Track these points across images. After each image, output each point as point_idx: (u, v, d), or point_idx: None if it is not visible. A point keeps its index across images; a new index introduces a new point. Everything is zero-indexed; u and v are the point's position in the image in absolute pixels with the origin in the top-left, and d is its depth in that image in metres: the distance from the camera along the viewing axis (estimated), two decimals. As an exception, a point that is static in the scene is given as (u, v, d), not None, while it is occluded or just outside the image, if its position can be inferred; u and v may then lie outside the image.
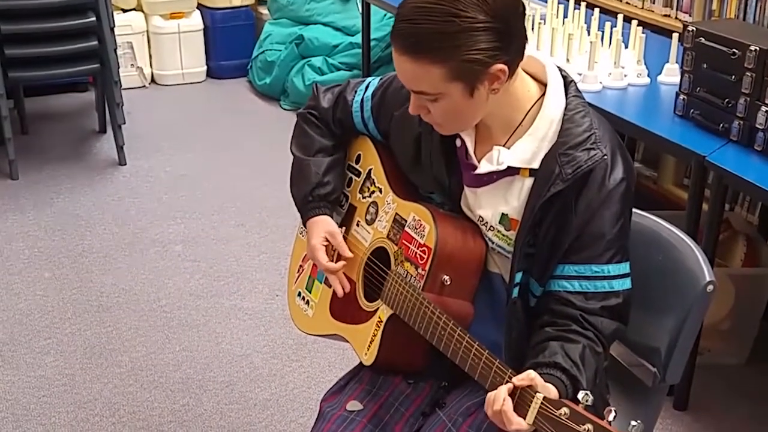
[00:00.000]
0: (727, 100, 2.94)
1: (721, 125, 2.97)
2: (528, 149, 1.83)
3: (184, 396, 3.22)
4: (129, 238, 4.28)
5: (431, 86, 1.73)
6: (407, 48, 1.71)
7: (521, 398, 1.61)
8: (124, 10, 6.13)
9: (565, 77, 1.87)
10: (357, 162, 2.20)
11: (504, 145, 1.85)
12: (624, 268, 1.83)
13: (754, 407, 3.21)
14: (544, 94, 1.84)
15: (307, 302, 2.25)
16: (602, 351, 1.80)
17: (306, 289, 2.27)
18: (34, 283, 3.91)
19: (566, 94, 1.84)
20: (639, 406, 2.08)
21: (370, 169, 2.16)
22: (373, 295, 2.04)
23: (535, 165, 1.82)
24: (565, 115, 1.82)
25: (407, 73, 1.75)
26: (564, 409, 1.53)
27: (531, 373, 1.62)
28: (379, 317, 1.98)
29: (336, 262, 2.10)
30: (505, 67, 1.73)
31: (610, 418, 1.50)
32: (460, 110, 1.78)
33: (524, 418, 1.59)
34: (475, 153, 1.90)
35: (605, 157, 1.79)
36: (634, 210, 2.01)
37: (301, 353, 3.44)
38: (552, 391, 1.61)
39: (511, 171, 1.85)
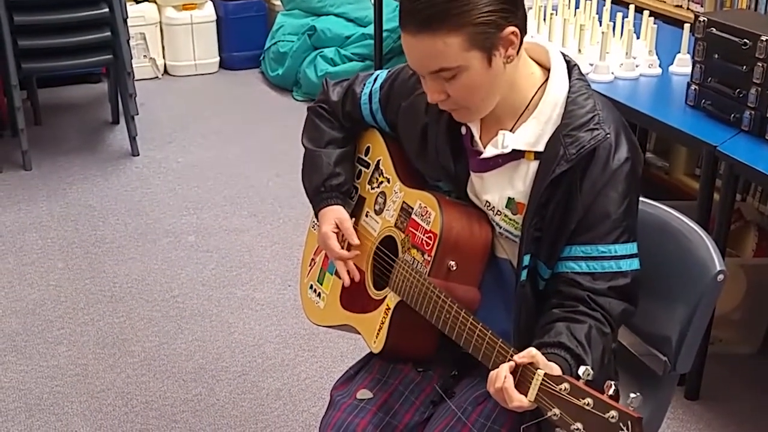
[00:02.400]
0: (738, 90, 2.94)
1: (733, 115, 2.97)
2: (532, 132, 1.84)
3: (196, 386, 3.23)
4: (142, 229, 4.30)
5: (451, 59, 1.73)
6: (423, 22, 1.71)
7: (523, 376, 1.61)
8: (137, 1, 6.15)
9: (568, 61, 1.88)
10: (366, 154, 2.22)
11: (509, 130, 1.86)
12: (631, 248, 1.83)
13: (765, 396, 3.21)
14: (548, 79, 1.85)
15: (319, 294, 2.27)
16: (610, 332, 1.80)
17: (318, 281, 2.29)
18: (47, 273, 3.93)
19: (569, 78, 1.86)
20: (649, 395, 2.08)
21: (379, 161, 2.17)
22: (382, 284, 2.05)
23: (540, 148, 1.83)
24: (568, 97, 1.83)
25: (424, 51, 1.74)
26: (564, 385, 1.54)
27: (531, 351, 1.63)
28: (387, 305, 1.99)
29: (347, 250, 2.11)
30: (518, 30, 1.75)
31: (610, 392, 1.50)
32: (480, 83, 1.77)
33: (525, 395, 1.60)
34: (480, 140, 1.91)
35: (608, 136, 1.79)
36: (645, 200, 2.02)
37: (313, 343, 3.45)
38: (555, 369, 1.61)
39: (516, 155, 1.86)
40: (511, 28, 1.74)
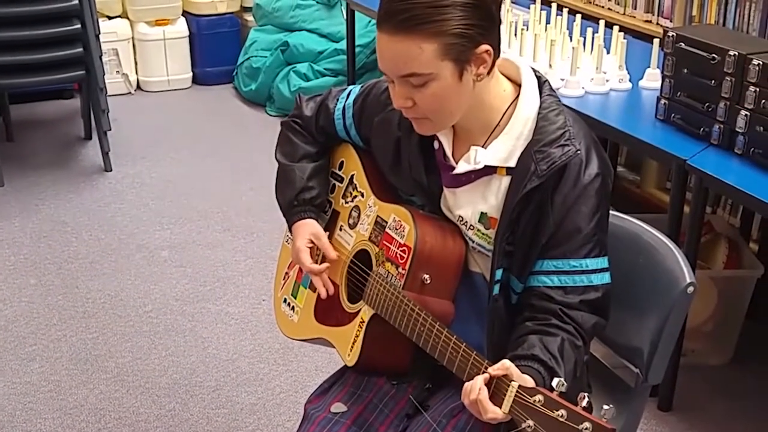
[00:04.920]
0: (707, 104, 2.97)
1: (702, 129, 3.00)
2: (504, 148, 1.85)
3: (170, 401, 3.23)
4: (115, 244, 4.29)
5: (423, 65, 1.73)
6: (400, 24, 1.71)
7: (497, 388, 1.63)
8: (110, 17, 6.14)
9: (539, 77, 1.90)
10: (340, 168, 2.23)
11: (481, 146, 1.88)
12: (602, 262, 1.85)
13: (738, 407, 3.24)
14: (519, 95, 1.87)
15: (293, 308, 2.27)
16: (582, 345, 1.82)
17: (291, 295, 2.29)
18: (20, 289, 3.91)
19: (540, 94, 1.87)
20: (622, 407, 2.10)
21: (353, 175, 2.18)
22: (356, 298, 2.06)
23: (512, 163, 1.85)
24: (539, 113, 1.85)
25: (398, 53, 1.74)
26: (538, 396, 1.56)
27: (506, 363, 1.64)
28: (362, 318, 2.00)
29: (320, 264, 2.12)
30: (491, 50, 1.76)
31: (584, 403, 1.52)
32: (448, 96, 1.78)
33: (500, 407, 1.61)
34: (453, 155, 1.92)
35: (579, 152, 1.81)
36: (617, 213, 2.04)
37: (287, 357, 3.45)
38: (528, 381, 1.63)
39: (489, 170, 1.88)
40: (486, 47, 1.76)
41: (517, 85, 1.89)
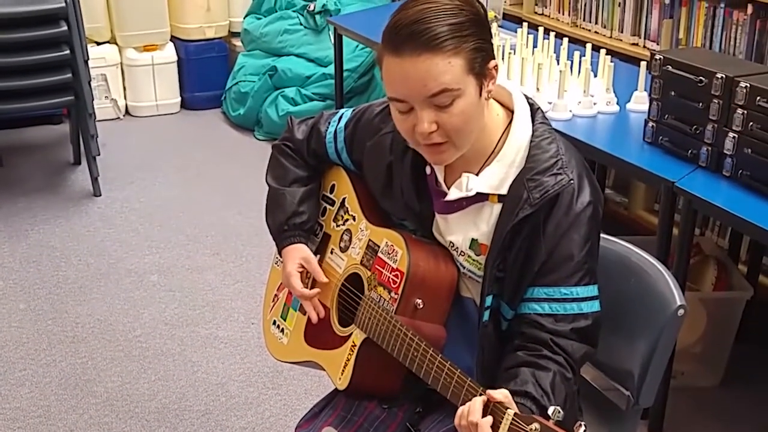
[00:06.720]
0: (695, 126, 2.98)
1: (690, 151, 3.01)
2: (496, 175, 1.86)
3: (159, 425, 3.21)
4: (104, 269, 4.28)
5: (455, 80, 1.72)
6: (426, 43, 1.70)
7: (493, 414, 1.62)
8: (98, 43, 6.15)
9: (531, 104, 1.90)
10: (331, 192, 2.23)
11: (474, 173, 1.88)
12: (592, 290, 1.85)
13: (728, 428, 3.24)
14: (511, 121, 1.87)
15: (282, 330, 2.27)
16: (572, 376, 1.81)
17: (281, 317, 2.29)
18: (9, 314, 3.90)
19: (533, 121, 1.88)
20: (614, 429, 2.10)
21: (344, 198, 2.18)
22: (347, 321, 2.06)
23: (504, 191, 1.85)
24: (532, 141, 1.85)
25: (427, 72, 1.72)
26: (534, 425, 1.55)
27: (505, 392, 1.64)
28: (353, 341, 2.00)
29: (311, 289, 2.12)
30: (497, 65, 1.79)
31: (580, 431, 1.52)
32: (472, 114, 1.77)
33: None
34: (445, 181, 1.93)
35: (572, 181, 1.82)
36: (605, 236, 2.04)
37: (277, 381, 3.45)
38: None
39: (480, 197, 1.88)
40: (494, 62, 1.78)
41: (509, 111, 1.90)
